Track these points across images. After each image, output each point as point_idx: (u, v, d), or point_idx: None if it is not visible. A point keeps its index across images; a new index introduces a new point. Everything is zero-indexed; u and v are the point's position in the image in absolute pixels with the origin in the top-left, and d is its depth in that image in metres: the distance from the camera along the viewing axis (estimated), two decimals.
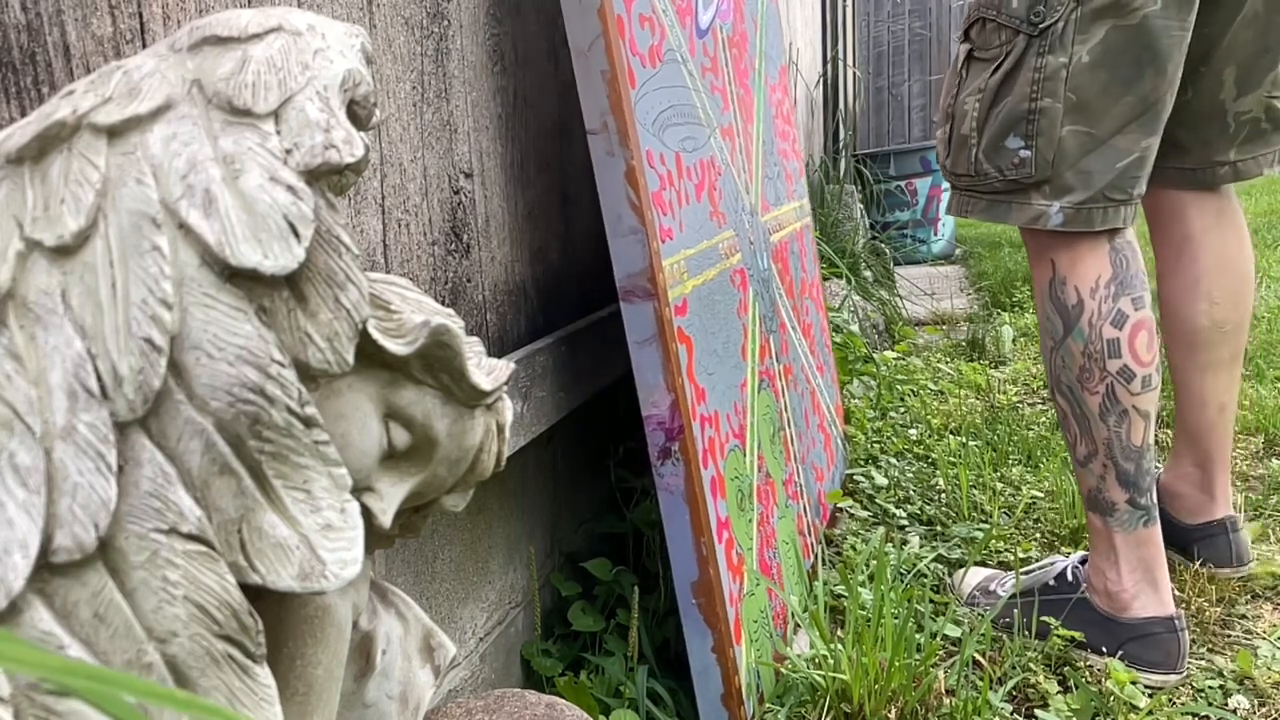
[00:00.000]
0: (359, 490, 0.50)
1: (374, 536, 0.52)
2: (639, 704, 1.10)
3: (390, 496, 0.52)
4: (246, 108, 0.42)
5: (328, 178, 0.43)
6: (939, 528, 1.70)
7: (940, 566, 1.53)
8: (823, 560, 1.51)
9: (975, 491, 1.82)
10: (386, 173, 0.88)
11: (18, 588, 0.36)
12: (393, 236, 0.89)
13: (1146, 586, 1.24)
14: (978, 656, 1.25)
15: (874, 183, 4.67)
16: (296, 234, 0.41)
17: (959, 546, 1.61)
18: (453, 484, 0.57)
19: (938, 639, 1.17)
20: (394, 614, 0.62)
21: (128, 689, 0.17)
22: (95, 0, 0.57)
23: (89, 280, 0.39)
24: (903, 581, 1.39)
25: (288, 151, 0.41)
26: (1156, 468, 1.36)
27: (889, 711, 1.06)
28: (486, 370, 0.54)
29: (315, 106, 0.42)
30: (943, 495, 1.82)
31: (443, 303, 0.98)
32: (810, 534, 1.51)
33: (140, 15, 0.61)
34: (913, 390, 2.54)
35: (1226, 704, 1.17)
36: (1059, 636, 1.26)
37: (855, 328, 2.65)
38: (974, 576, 1.46)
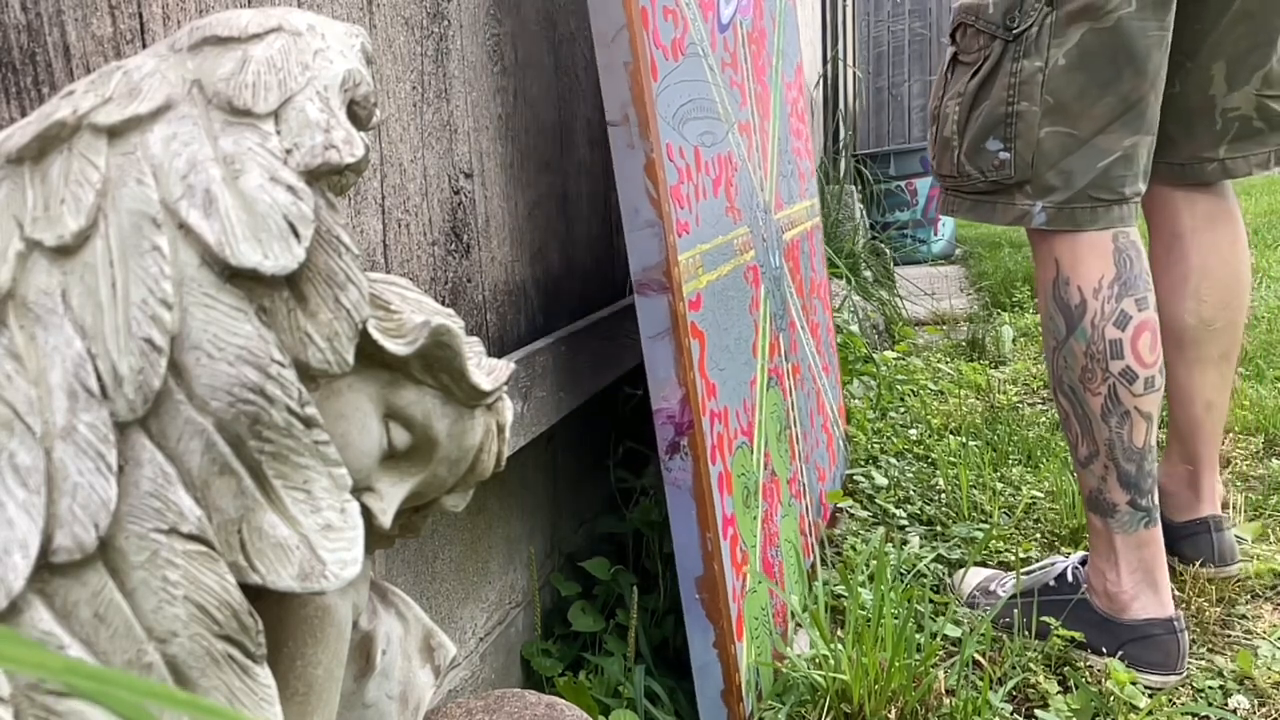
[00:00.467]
0: (359, 490, 0.50)
1: (374, 536, 0.52)
2: (637, 703, 1.10)
3: (390, 496, 0.52)
4: (246, 108, 0.42)
5: (328, 178, 0.43)
6: (939, 528, 1.70)
7: (940, 566, 1.53)
8: (823, 560, 1.51)
9: (975, 491, 1.82)
10: (386, 173, 0.88)
11: (18, 588, 0.36)
12: (393, 236, 0.89)
13: (1146, 588, 1.24)
14: (978, 657, 1.25)
15: (874, 183, 4.67)
16: (296, 234, 0.41)
17: (959, 546, 1.61)
18: (453, 484, 0.57)
19: (938, 639, 1.17)
20: (394, 614, 0.62)
21: (128, 689, 0.17)
22: (95, 0, 0.57)
23: (89, 280, 0.39)
24: (903, 581, 1.39)
25: (288, 152, 0.41)
26: None
27: (889, 711, 1.06)
28: (486, 370, 0.54)
29: (315, 107, 0.42)
30: (943, 495, 1.82)
31: (443, 303, 0.98)
32: (811, 534, 1.51)
33: (140, 15, 0.61)
34: (913, 390, 2.54)
35: (1226, 704, 1.17)
36: (1059, 637, 1.26)
37: (855, 328, 2.65)
38: (974, 577, 1.46)
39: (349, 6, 0.83)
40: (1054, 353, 1.24)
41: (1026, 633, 1.29)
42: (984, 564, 1.55)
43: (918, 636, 1.15)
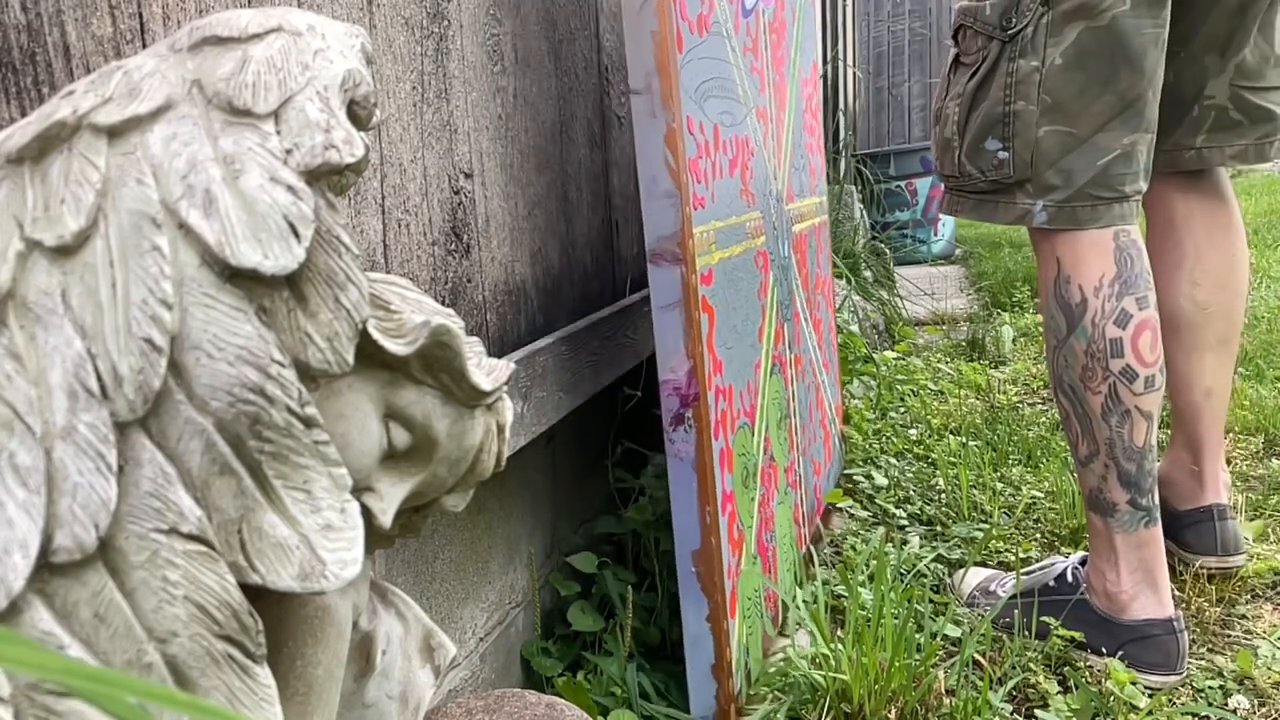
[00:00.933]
0: (359, 490, 0.50)
1: (374, 536, 0.52)
2: (632, 702, 1.10)
3: (390, 496, 0.52)
4: (246, 108, 0.42)
5: (328, 178, 0.43)
6: (939, 528, 1.70)
7: (940, 567, 1.53)
8: (823, 560, 1.51)
9: (975, 491, 1.82)
10: (386, 173, 0.88)
11: (18, 588, 0.36)
12: (393, 236, 0.89)
13: (1146, 588, 1.24)
14: (978, 657, 1.25)
15: (874, 183, 4.67)
16: (296, 234, 0.41)
17: (959, 547, 1.61)
18: (453, 484, 0.57)
19: (938, 639, 1.17)
20: (394, 614, 0.62)
21: (128, 689, 0.17)
22: (95, 0, 0.57)
23: (89, 280, 0.39)
24: (903, 581, 1.39)
25: (288, 152, 0.41)
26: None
27: (889, 711, 1.06)
28: (487, 370, 0.54)
29: (315, 107, 0.42)
30: (943, 495, 1.82)
31: (443, 303, 0.98)
32: (805, 525, 1.52)
33: (140, 15, 0.61)
34: (913, 390, 2.54)
35: (1226, 704, 1.17)
36: (1059, 637, 1.26)
37: (855, 328, 2.65)
38: (974, 577, 1.46)
39: (349, 6, 0.83)
40: (1055, 351, 1.25)
41: (1026, 633, 1.29)
42: (984, 564, 1.55)
43: (918, 636, 1.15)
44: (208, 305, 0.40)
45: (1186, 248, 1.40)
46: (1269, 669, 1.23)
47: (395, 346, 0.49)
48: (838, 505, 1.75)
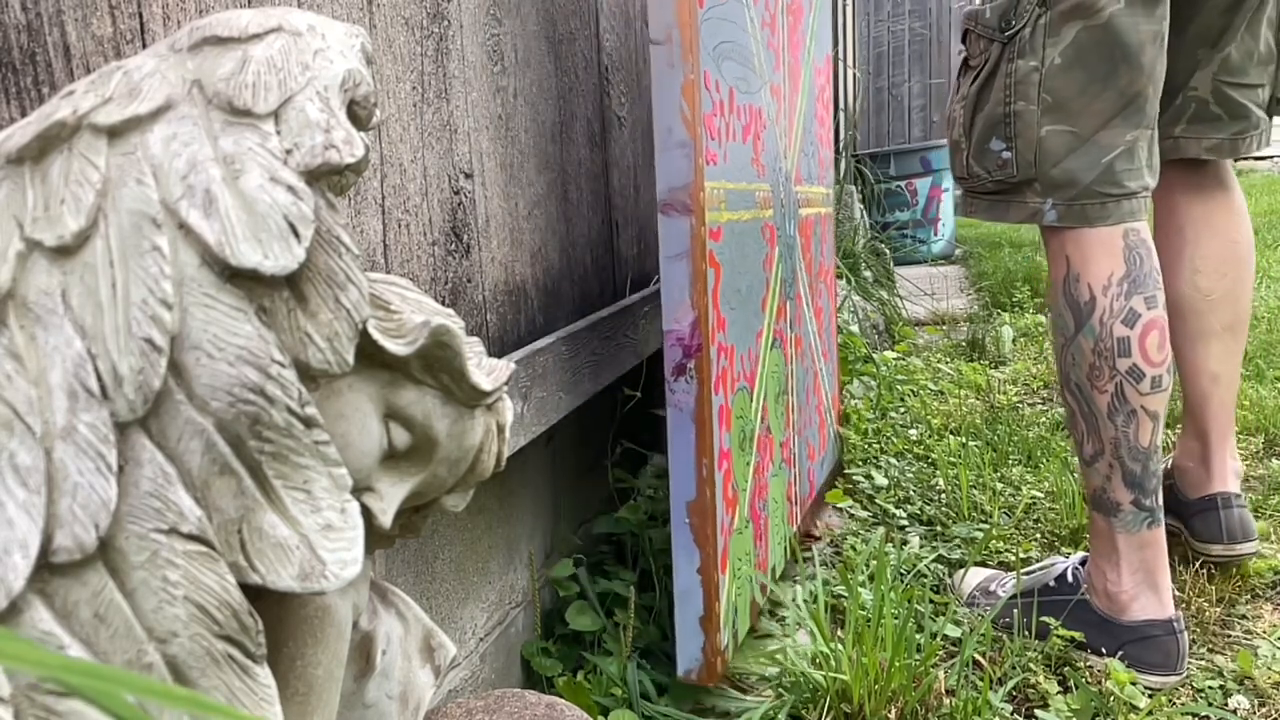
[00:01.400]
0: (359, 490, 0.50)
1: (374, 537, 0.52)
2: (633, 702, 1.10)
3: (390, 496, 0.52)
4: (246, 108, 0.42)
5: (328, 178, 0.43)
6: (939, 528, 1.70)
7: (940, 567, 1.53)
8: (822, 559, 1.51)
9: (975, 491, 1.82)
10: (386, 173, 0.88)
11: (18, 588, 0.36)
12: (393, 237, 0.89)
13: (1146, 588, 1.24)
14: (978, 657, 1.25)
15: (874, 183, 4.68)
16: (297, 234, 0.41)
17: (959, 547, 1.61)
18: (453, 484, 0.57)
19: (938, 639, 1.17)
20: (394, 614, 0.62)
21: (128, 688, 0.17)
22: (95, 0, 0.57)
23: (89, 280, 0.39)
24: (903, 582, 1.39)
25: (288, 152, 0.41)
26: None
27: (889, 711, 1.06)
28: (487, 370, 0.54)
29: (315, 107, 0.42)
30: (943, 495, 1.82)
31: (443, 303, 0.98)
32: (797, 504, 1.52)
33: (140, 15, 0.61)
34: (913, 390, 2.54)
35: (1226, 704, 1.17)
36: (1059, 637, 1.26)
37: (855, 328, 2.65)
38: (974, 577, 1.46)
39: (349, 6, 0.83)
40: (1062, 350, 1.25)
41: (1026, 633, 1.29)
42: (984, 564, 1.55)
43: (918, 636, 1.15)
44: (208, 305, 0.40)
45: (1187, 234, 1.41)
46: (1269, 669, 1.23)
47: (395, 346, 0.49)
48: (838, 505, 1.75)
